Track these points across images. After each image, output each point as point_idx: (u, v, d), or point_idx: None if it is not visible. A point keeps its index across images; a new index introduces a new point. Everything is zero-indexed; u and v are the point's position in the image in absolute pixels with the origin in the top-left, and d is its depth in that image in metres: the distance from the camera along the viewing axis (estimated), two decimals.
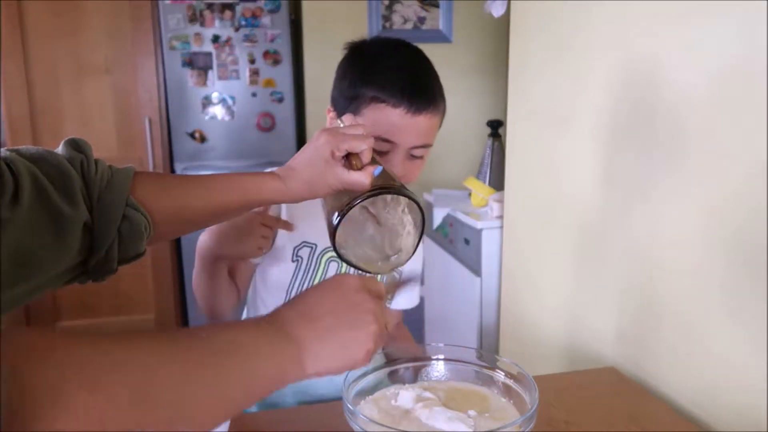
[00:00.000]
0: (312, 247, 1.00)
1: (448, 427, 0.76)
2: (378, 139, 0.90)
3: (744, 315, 0.93)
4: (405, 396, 0.83)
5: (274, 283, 1.01)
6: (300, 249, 0.99)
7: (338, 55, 0.99)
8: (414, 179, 0.97)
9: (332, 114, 0.98)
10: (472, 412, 0.80)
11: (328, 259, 1.01)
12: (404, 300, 1.14)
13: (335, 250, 0.69)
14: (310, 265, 1.00)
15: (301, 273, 1.00)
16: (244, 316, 1.10)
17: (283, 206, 0.99)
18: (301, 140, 2.89)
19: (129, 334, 0.41)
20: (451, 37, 2.94)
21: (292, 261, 0.99)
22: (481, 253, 1.91)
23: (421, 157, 0.95)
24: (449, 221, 2.15)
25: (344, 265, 1.01)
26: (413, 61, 0.95)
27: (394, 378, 0.90)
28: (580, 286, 1.39)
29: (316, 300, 0.57)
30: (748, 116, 0.89)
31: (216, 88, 2.69)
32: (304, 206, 1.00)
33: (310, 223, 1.00)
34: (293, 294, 1.00)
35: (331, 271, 1.01)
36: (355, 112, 0.92)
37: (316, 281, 1.00)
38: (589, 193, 1.34)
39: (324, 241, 1.00)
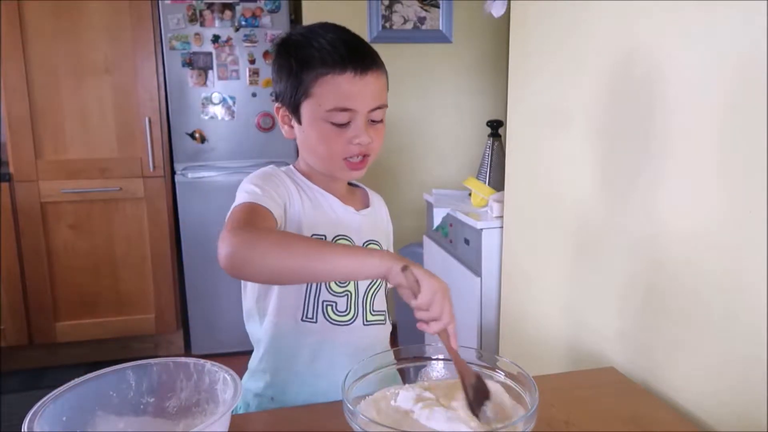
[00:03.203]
0: (323, 238, 0.99)
1: (448, 427, 0.76)
2: (336, 110, 0.92)
3: (744, 315, 0.93)
4: (405, 396, 0.83)
5: None
6: None
7: None
8: (380, 146, 0.98)
9: (282, 110, 1.00)
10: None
11: None
12: None
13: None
14: None
15: None
16: (252, 323, 1.06)
17: (296, 199, 0.98)
18: None
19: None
20: (451, 37, 2.94)
21: None
22: (481, 253, 1.90)
23: (381, 121, 0.97)
24: (449, 221, 2.15)
25: None
26: (342, 32, 0.97)
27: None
28: (580, 285, 1.39)
29: None
30: (748, 112, 0.89)
31: (216, 88, 2.69)
32: (309, 201, 1.00)
33: (317, 216, 1.00)
34: (312, 286, 0.99)
35: None
36: (305, 94, 0.94)
37: None
38: (589, 193, 1.34)
39: (332, 231, 1.00)
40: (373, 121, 0.96)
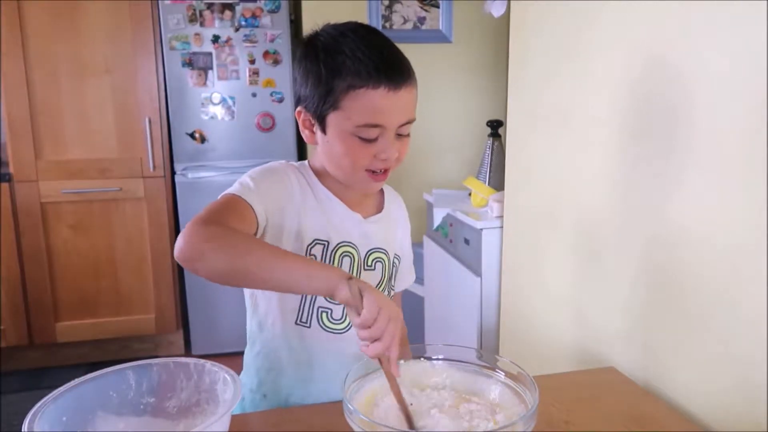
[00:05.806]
0: (324, 244, 0.97)
1: (449, 427, 0.76)
2: (366, 126, 0.89)
3: (745, 316, 0.93)
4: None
5: None
6: (313, 247, 0.97)
7: None
8: (403, 159, 0.96)
9: (304, 115, 0.95)
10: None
11: (341, 255, 0.99)
12: (405, 280, 1.15)
13: None
14: (324, 262, 0.97)
15: None
16: (249, 318, 1.07)
17: (298, 200, 0.97)
18: (301, 140, 2.89)
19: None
20: (451, 37, 2.94)
21: None
22: (481, 253, 1.90)
23: (407, 135, 0.95)
24: (449, 221, 2.15)
25: (356, 260, 1.00)
26: (374, 39, 0.91)
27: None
28: (580, 286, 1.39)
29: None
30: (751, 114, 0.89)
31: (216, 88, 2.69)
32: (315, 204, 0.99)
33: (321, 220, 0.98)
34: None
35: (345, 266, 0.99)
36: (334, 106, 0.90)
37: None
38: (588, 193, 1.34)
39: (336, 237, 0.98)
40: (400, 135, 0.93)
